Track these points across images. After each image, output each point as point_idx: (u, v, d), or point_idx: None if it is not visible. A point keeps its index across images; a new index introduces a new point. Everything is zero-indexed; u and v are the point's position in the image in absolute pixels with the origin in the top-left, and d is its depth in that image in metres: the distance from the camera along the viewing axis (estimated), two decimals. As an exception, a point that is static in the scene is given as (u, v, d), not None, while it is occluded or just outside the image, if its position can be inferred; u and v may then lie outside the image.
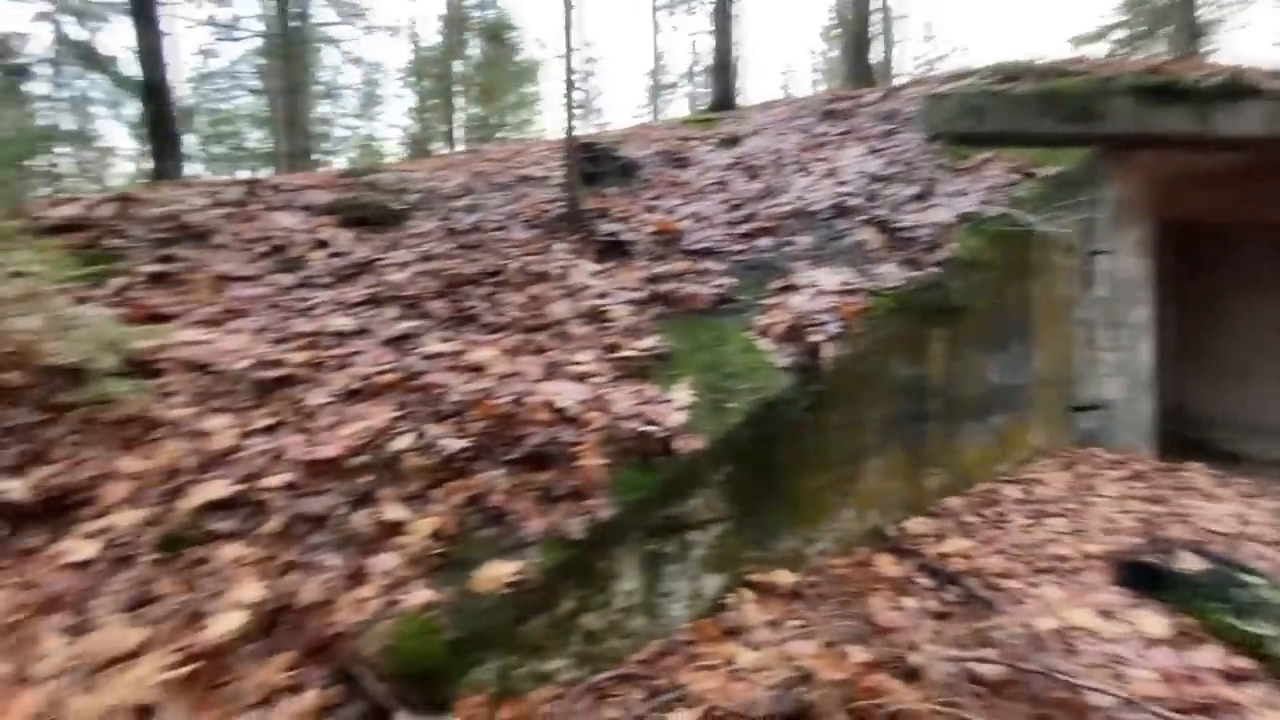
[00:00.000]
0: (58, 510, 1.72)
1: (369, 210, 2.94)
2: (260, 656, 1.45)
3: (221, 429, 1.94)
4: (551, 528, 1.71)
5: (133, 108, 18.90)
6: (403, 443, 1.84)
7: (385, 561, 1.62)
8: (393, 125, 25.65)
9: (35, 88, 16.29)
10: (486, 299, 2.39)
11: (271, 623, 1.50)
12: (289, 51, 8.28)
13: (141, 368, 2.10)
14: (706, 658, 1.76)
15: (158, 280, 2.48)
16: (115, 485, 1.77)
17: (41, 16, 16.36)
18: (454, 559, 1.66)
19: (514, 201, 3.13)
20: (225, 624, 1.46)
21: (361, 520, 1.70)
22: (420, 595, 1.56)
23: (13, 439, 1.88)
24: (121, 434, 1.91)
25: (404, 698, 1.45)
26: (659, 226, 2.75)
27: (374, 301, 2.45)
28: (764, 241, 2.70)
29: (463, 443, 1.83)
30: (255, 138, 21.84)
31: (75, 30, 16.99)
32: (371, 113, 22.51)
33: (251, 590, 1.53)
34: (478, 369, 2.08)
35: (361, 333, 2.29)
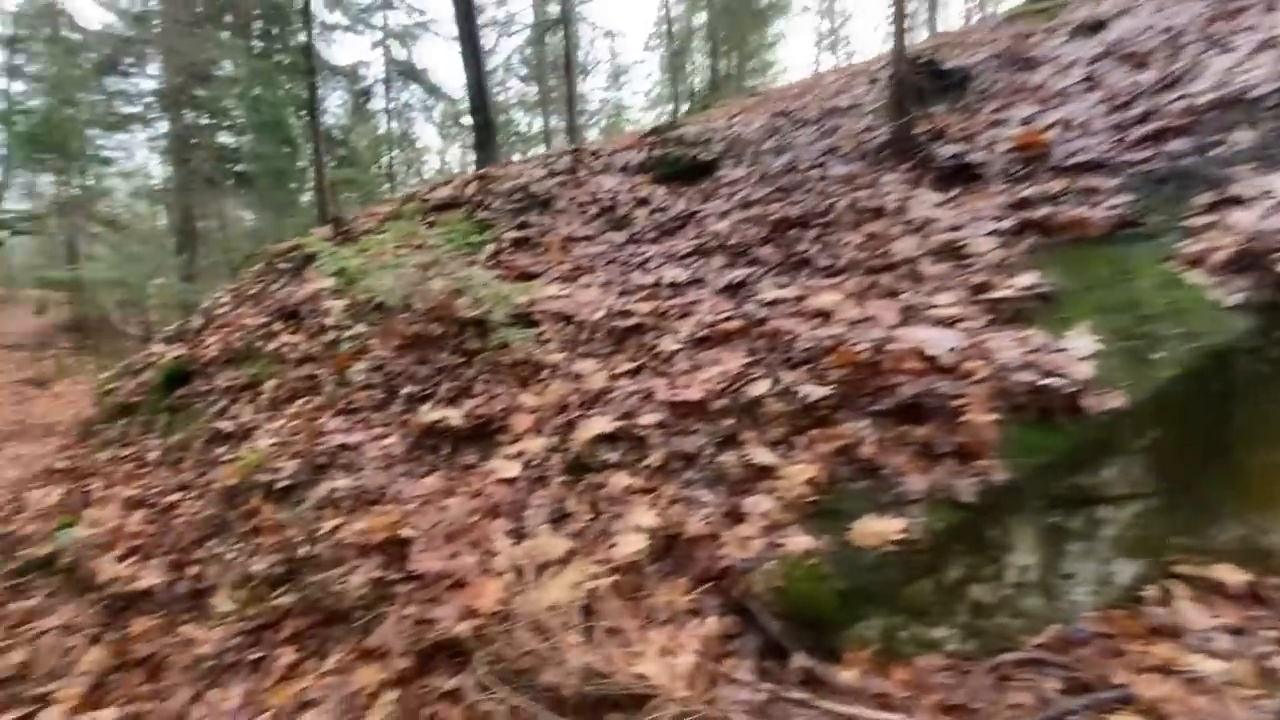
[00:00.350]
0: (483, 435, 2.10)
1: (680, 165, 3.01)
2: (662, 578, 1.58)
3: (592, 372, 2.15)
4: (936, 487, 1.55)
5: (439, 110, 22.79)
6: (759, 388, 1.83)
7: (760, 503, 1.63)
8: (636, 92, 26.92)
9: (373, 103, 20.50)
10: (817, 241, 2.27)
11: (666, 548, 1.62)
12: (569, 35, 9.06)
13: (522, 319, 2.44)
14: (1137, 657, 1.45)
15: (519, 244, 2.85)
16: (521, 417, 2.09)
17: (376, 44, 20.37)
18: (827, 508, 1.61)
19: (825, 136, 2.93)
20: (631, 545, 1.61)
21: (730, 461, 1.74)
22: (800, 541, 1.54)
23: (444, 377, 2.34)
24: (518, 374, 2.25)
25: (798, 639, 1.46)
26: (1018, 141, 2.30)
27: (701, 252, 2.50)
28: (1176, 144, 2.09)
29: (823, 390, 1.75)
30: (525, 121, 24.93)
31: (400, 51, 20.86)
32: (619, 82, 23.87)
33: (645, 517, 1.67)
34: (823, 315, 1.97)
35: (695, 283, 2.35)
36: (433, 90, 20.85)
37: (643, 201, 2.91)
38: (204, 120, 17.91)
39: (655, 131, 3.40)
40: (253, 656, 1.70)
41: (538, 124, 20.86)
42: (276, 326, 3.00)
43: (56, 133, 14.79)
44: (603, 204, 2.97)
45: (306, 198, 19.55)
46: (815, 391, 1.76)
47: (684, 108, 16.35)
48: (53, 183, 16.84)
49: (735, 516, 1.64)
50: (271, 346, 2.88)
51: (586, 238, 2.81)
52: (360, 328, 2.68)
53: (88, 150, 16.30)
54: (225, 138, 18.42)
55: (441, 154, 25.77)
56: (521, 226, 2.93)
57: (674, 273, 2.43)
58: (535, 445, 1.98)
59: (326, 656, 1.66)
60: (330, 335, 2.73)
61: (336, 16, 18.73)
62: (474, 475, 1.97)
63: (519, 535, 1.75)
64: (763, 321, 2.04)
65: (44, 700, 1.75)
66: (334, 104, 20.19)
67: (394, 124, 21.33)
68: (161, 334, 4.62)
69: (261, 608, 1.81)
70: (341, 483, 2.03)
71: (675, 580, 1.57)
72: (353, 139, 20.08)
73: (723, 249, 2.46)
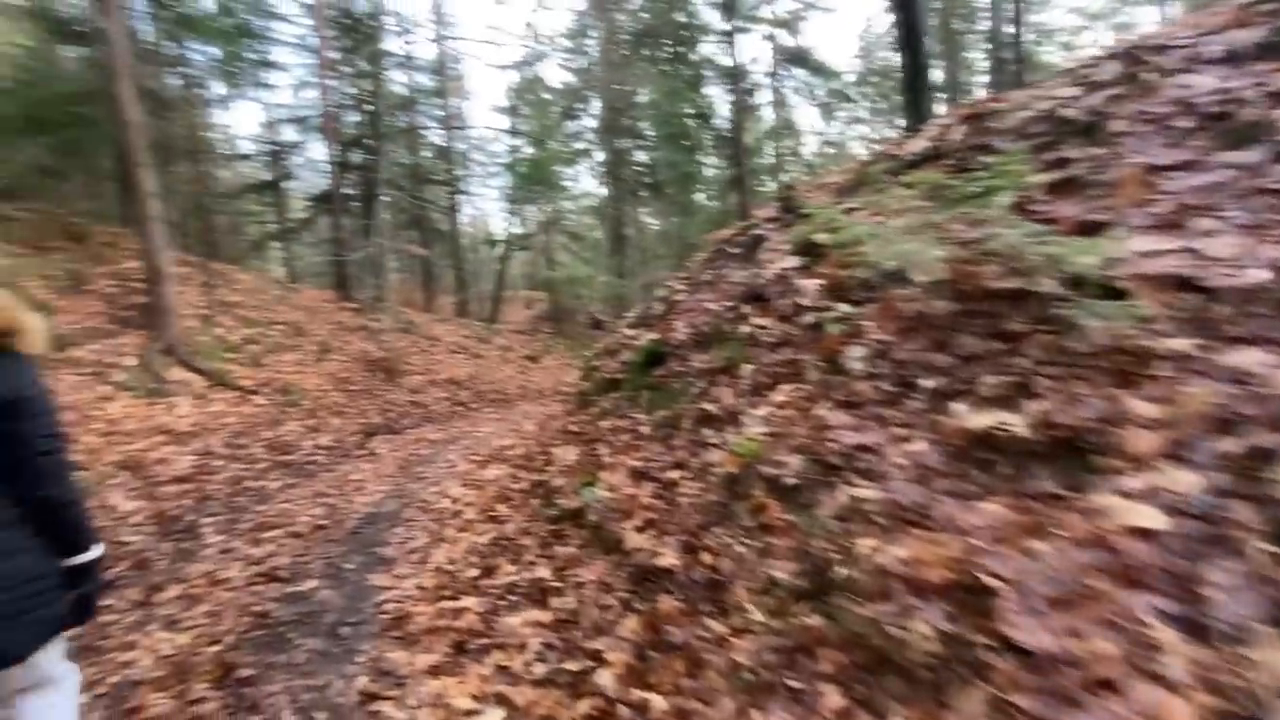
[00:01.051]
0: (1069, 453, 1.49)
1: (1372, 21, 1.80)
2: None
3: (1268, 365, 1.32)
4: None
5: (822, 91, 22.36)
6: None
7: None
8: (1072, 8, 21.48)
9: (758, 96, 21.17)
10: None
11: None
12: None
13: (1094, 287, 1.72)
14: None
15: (1059, 188, 2.10)
16: (1136, 433, 1.41)
17: (766, 37, 20.96)
18: None
19: None
20: None
21: None
22: None
23: (980, 368, 1.81)
24: (1111, 366, 1.56)
25: None
26: None
27: None
28: None
29: None
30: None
31: (786, 39, 21.10)
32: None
33: None
34: None
35: None
36: (818, 70, 20.52)
37: (1290, 95, 1.82)
38: (628, 143, 21.44)
39: (1286, -11, 2.16)
40: (791, 682, 1.48)
41: (933, 76, 18.47)
42: (744, 309, 2.94)
43: (539, 171, 19.44)
44: (1202, 112, 1.97)
45: (699, 197, 21.64)
46: None
47: None
48: (537, 209, 22.48)
49: None
50: (743, 330, 2.81)
51: (1183, 164, 1.88)
52: (844, 307, 2.35)
53: (556, 182, 21.07)
54: (641, 155, 21.73)
55: (823, 135, 25.40)
56: (1057, 164, 2.17)
57: None
58: (1182, 480, 1.28)
59: (885, 715, 1.32)
60: (808, 317, 2.48)
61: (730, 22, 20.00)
62: (1068, 511, 1.39)
63: (1192, 627, 1.10)
64: None
65: (596, 658, 1.89)
66: (724, 105, 21.78)
67: (779, 113, 21.77)
68: (626, 319, 5.32)
69: (789, 623, 1.60)
70: (865, 492, 1.69)
71: None
72: (741, 136, 21.21)
73: None
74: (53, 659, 1.39)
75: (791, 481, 1.91)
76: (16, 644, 1.25)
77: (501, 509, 3.55)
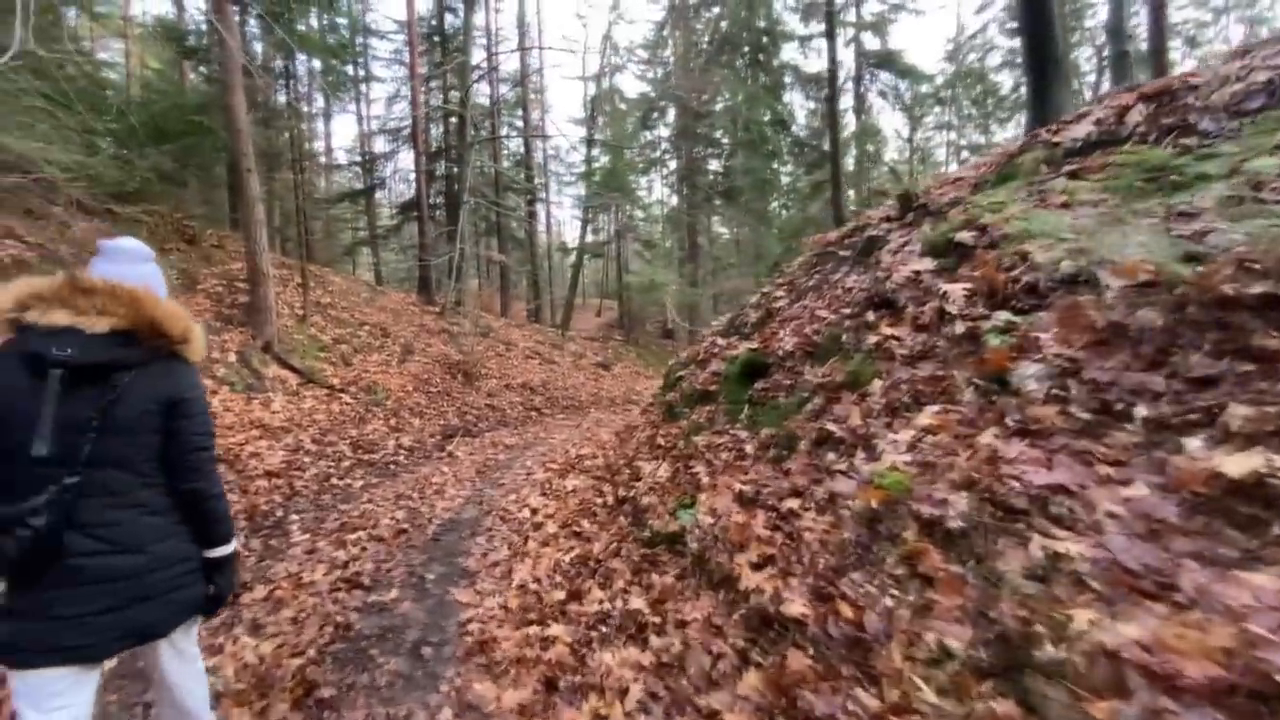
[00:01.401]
0: (1387, 516, 1.11)
1: None
2: None
3: None
4: None
5: (907, 94, 21.41)
6: None
7: None
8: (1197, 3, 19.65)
9: (841, 101, 20.42)
10: None
11: None
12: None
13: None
14: None
15: (1305, 171, 1.67)
16: None
17: (849, 41, 20.23)
18: None
19: None
20: None
21: None
22: None
23: (1225, 394, 1.42)
24: None
25: None
26: None
27: None
28: None
29: None
30: (1008, 83, 21.31)
31: (872, 41, 20.34)
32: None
33: None
34: None
35: None
36: (905, 72, 19.61)
37: None
38: (703, 151, 21.22)
39: None
40: (982, 791, 1.16)
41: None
42: (869, 317, 2.61)
43: (615, 180, 19.47)
44: None
45: (774, 205, 21.09)
46: None
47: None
48: (611, 216, 22.58)
49: None
50: (869, 340, 2.48)
51: None
52: (1005, 315, 1.99)
53: (631, 190, 21.06)
54: (714, 165, 21.47)
55: (910, 139, 24.32)
56: (1296, 145, 1.74)
57: None
58: None
59: None
60: (957, 327, 2.13)
61: (812, 27, 19.47)
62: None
63: None
64: None
65: (714, 719, 1.62)
66: (802, 112, 21.20)
67: (862, 118, 20.97)
68: (713, 327, 5.04)
69: (970, 707, 1.27)
70: (1069, 546, 1.34)
71: None
72: (822, 142, 20.54)
73: None
74: (191, 638, 1.47)
75: (957, 525, 1.58)
76: (165, 620, 1.33)
77: (585, 524, 3.34)
